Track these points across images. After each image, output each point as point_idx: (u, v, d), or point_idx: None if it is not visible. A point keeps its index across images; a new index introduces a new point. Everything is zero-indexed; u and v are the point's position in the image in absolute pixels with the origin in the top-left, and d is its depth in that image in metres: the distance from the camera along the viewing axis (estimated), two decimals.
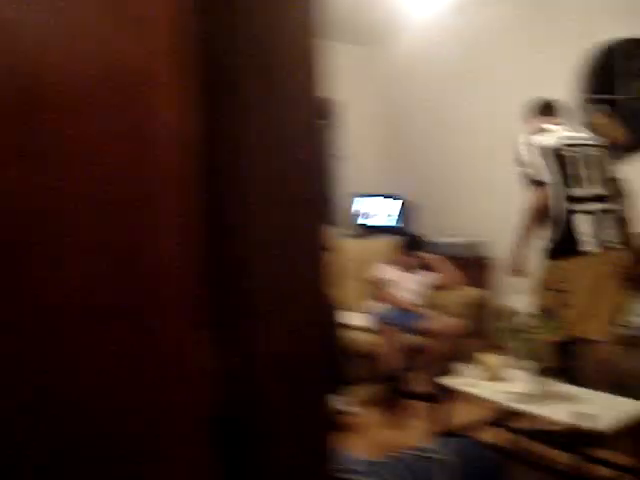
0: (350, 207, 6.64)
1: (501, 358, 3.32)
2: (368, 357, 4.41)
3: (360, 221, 6.57)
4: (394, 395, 4.17)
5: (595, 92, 4.74)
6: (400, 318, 4.59)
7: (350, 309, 5.00)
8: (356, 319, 4.72)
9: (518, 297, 4.54)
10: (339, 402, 3.97)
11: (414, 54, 6.46)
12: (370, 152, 6.88)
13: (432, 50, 6.23)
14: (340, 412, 3.88)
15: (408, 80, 6.55)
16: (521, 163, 3.80)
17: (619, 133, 4.63)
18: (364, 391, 4.38)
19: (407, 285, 4.99)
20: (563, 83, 4.89)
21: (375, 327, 4.56)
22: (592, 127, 4.62)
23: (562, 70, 4.92)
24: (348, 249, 5.32)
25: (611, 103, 4.70)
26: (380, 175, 6.87)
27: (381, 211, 6.39)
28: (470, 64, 5.83)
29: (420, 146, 6.48)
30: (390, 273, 5.04)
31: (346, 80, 6.85)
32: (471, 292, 5.00)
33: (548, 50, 5.07)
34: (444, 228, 6.10)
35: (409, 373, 4.52)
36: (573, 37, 4.86)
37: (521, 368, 3.12)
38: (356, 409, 3.99)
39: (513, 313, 4.37)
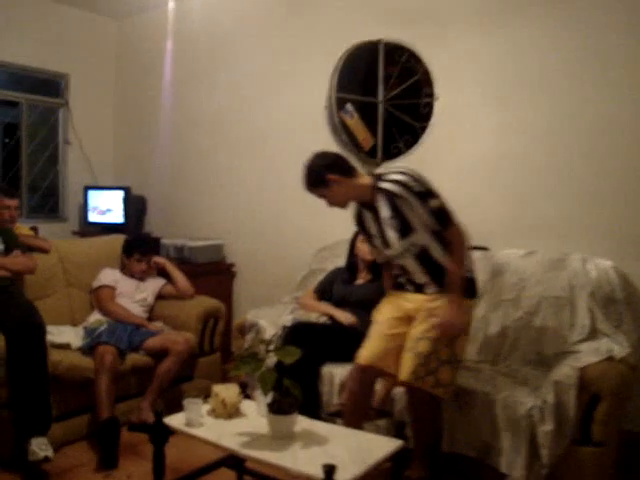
0: (83, 200, 5.76)
1: (236, 389, 2.78)
2: (77, 384, 3.62)
3: (93, 217, 5.71)
4: (109, 430, 3.45)
5: (347, 93, 4.45)
6: (122, 334, 3.88)
7: (65, 323, 4.18)
8: (65, 336, 3.91)
9: (263, 311, 4.08)
10: (38, 445, 3.19)
11: (162, 31, 5.75)
12: (105, 139, 6.08)
13: (184, 29, 5.59)
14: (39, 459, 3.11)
15: (153, 61, 5.82)
16: None
17: (367, 135, 4.39)
18: (72, 427, 3.61)
19: (134, 294, 4.30)
20: (321, 79, 4.55)
21: (88, 345, 3.79)
22: (345, 130, 4.36)
23: (320, 66, 4.57)
24: (72, 250, 4.48)
25: (362, 105, 4.44)
26: (115, 166, 6.10)
27: (116, 207, 5.58)
28: (224, 51, 5.29)
29: (160, 137, 5.80)
30: (115, 279, 4.31)
31: (84, 53, 6.14)
32: (207, 303, 4.43)
33: (306, 44, 4.71)
34: (178, 229, 5.52)
35: (136, 400, 3.85)
36: (330, 34, 4.55)
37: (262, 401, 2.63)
38: (50, 453, 3.18)
39: (256, 329, 3.91)
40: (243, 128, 5.15)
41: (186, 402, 2.65)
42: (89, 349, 3.76)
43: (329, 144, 4.56)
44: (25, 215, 5.70)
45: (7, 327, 3.33)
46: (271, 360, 3.54)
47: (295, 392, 2.47)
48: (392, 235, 2.91)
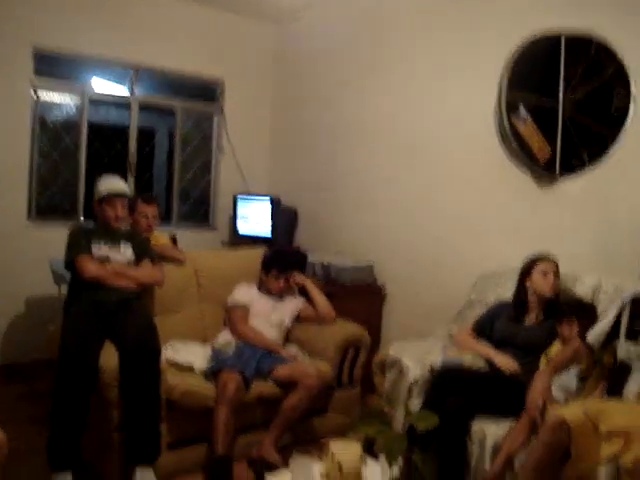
0: (232, 210, 5.54)
1: (357, 449, 2.26)
2: (194, 411, 3.28)
3: (241, 228, 5.46)
4: (221, 469, 3.07)
5: (520, 95, 3.78)
6: (250, 359, 3.50)
7: (195, 339, 3.88)
8: (191, 354, 3.59)
9: (410, 345, 3.52)
10: (143, 476, 2.88)
11: (319, 35, 5.40)
12: (259, 147, 5.83)
13: (339, 33, 5.19)
14: None
15: (310, 66, 5.47)
16: None
17: (543, 145, 3.71)
18: (186, 456, 3.27)
19: (269, 314, 3.91)
20: (489, 80, 3.93)
21: (211, 370, 3.44)
22: (517, 137, 3.71)
23: (488, 64, 3.95)
24: (208, 263, 4.19)
25: (537, 109, 3.75)
26: (269, 176, 5.83)
27: (264, 218, 5.27)
28: (383, 52, 4.82)
29: (315, 146, 5.42)
30: (251, 297, 3.95)
31: (240, 58, 5.95)
32: (349, 329, 3.95)
33: (471, 37, 4.11)
34: (328, 244, 5.09)
35: (261, 433, 3.45)
36: (500, 26, 3.91)
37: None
38: None
39: (399, 368, 3.35)
40: (402, 137, 4.63)
41: (293, 464, 2.17)
42: (212, 374, 3.40)
43: (497, 154, 3.94)
44: (175, 223, 5.57)
45: (122, 347, 3.06)
46: (413, 405, 3.03)
47: (425, 471, 1.90)
48: None
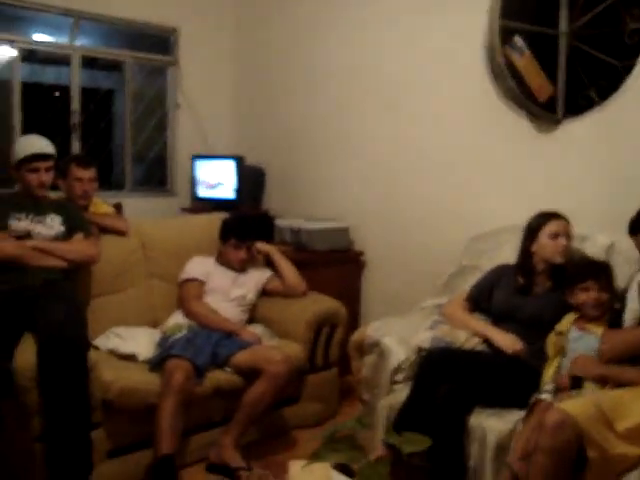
0: (192, 173, 4.95)
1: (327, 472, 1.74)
2: (137, 411, 2.75)
3: (202, 192, 4.88)
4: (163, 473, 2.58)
5: (515, 21, 3.20)
6: (203, 345, 2.96)
7: (144, 323, 3.34)
8: (135, 342, 3.06)
9: (392, 322, 2.98)
10: None
11: None
12: (220, 101, 5.22)
13: None
14: None
15: (278, 6, 4.83)
16: None
17: (543, 81, 3.15)
18: (128, 466, 2.75)
19: (229, 290, 3.37)
20: (477, 8, 3.35)
21: (156, 359, 2.90)
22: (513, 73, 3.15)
23: None
24: (157, 234, 3.62)
25: (535, 38, 3.19)
26: (231, 133, 5.24)
27: (228, 180, 4.68)
28: None
29: (281, 98, 4.81)
30: (207, 271, 3.40)
31: (196, 3, 5.32)
32: (323, 303, 3.42)
33: None
34: (299, 207, 4.53)
35: (220, 431, 2.94)
36: None
37: None
38: None
39: (379, 350, 2.81)
40: (377, 82, 4.04)
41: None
42: (158, 363, 2.86)
43: (488, 95, 3.39)
44: (129, 188, 4.99)
45: (40, 341, 2.51)
46: (398, 395, 2.53)
47: None
48: None
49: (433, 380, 2.47)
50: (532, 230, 2.73)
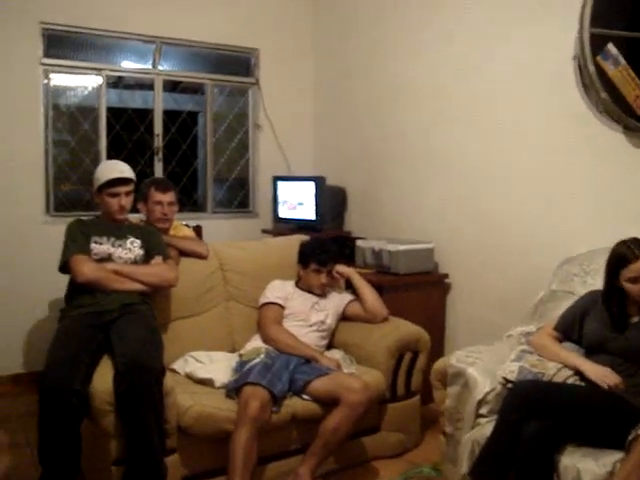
0: (272, 193, 4.94)
1: None
2: (213, 438, 2.70)
3: (283, 213, 4.85)
4: None
5: (608, 29, 2.99)
6: (281, 371, 2.89)
7: (223, 347, 3.31)
8: (214, 367, 3.02)
9: (477, 352, 2.81)
10: None
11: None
12: (301, 121, 5.20)
13: None
14: None
15: (356, 29, 4.78)
16: None
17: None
18: None
19: (309, 315, 3.30)
20: (564, 17, 3.19)
21: (232, 385, 2.84)
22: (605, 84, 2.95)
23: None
24: (236, 256, 3.60)
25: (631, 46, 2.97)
26: (313, 153, 5.21)
27: (309, 200, 4.63)
28: (435, 1, 4.10)
29: (362, 117, 4.72)
30: (286, 295, 3.35)
31: (276, 24, 5.23)
32: (404, 329, 3.29)
33: None
34: (381, 228, 4.43)
35: (297, 460, 2.86)
36: None
37: None
38: None
39: (464, 381, 2.66)
40: (461, 98, 3.89)
41: None
42: (235, 390, 2.81)
43: (578, 109, 3.19)
44: (211, 210, 5.01)
45: (117, 366, 2.51)
46: (483, 429, 2.38)
47: None
48: None
49: (520, 415, 2.29)
50: (611, 269, 2.50)
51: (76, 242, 2.93)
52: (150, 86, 4.80)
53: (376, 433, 3.18)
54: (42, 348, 4.04)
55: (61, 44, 4.37)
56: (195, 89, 5.15)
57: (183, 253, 3.36)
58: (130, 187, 3.03)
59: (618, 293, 2.48)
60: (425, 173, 4.18)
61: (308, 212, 4.61)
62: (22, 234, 4.21)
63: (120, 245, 3.01)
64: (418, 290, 3.87)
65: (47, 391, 2.42)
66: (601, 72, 2.96)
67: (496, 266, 3.70)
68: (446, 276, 3.99)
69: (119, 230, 3.06)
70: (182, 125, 5.10)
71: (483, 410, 2.55)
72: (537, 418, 2.24)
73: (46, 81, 4.33)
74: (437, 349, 3.58)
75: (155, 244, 3.10)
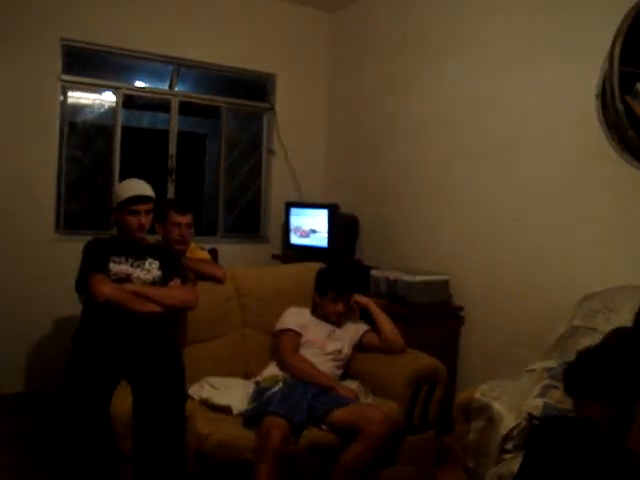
0: (285, 219, 4.92)
1: None
2: (231, 466, 2.64)
3: (295, 239, 4.83)
4: None
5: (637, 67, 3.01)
6: (300, 400, 2.84)
7: (237, 374, 3.26)
8: (230, 394, 2.96)
9: (500, 385, 2.78)
10: None
11: (381, 19, 4.75)
12: (315, 148, 5.21)
13: (403, 16, 4.52)
14: None
15: (373, 57, 4.81)
16: None
17: None
18: None
19: (325, 344, 3.26)
20: (589, 55, 3.20)
21: (251, 413, 2.79)
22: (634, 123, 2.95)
23: (592, 35, 3.22)
24: (253, 280, 3.56)
25: None
26: (326, 180, 5.20)
27: (321, 228, 4.61)
28: (455, 35, 4.13)
29: (378, 146, 4.73)
30: (303, 323, 3.31)
31: (292, 50, 5.19)
32: (422, 361, 3.25)
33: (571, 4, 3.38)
34: (393, 258, 4.41)
35: None
36: None
37: None
38: None
39: (488, 416, 2.62)
40: (479, 133, 3.90)
41: None
42: (253, 418, 2.75)
43: (601, 148, 3.19)
44: (221, 234, 4.99)
45: (137, 389, 2.45)
46: (509, 465, 2.33)
47: None
48: None
49: (548, 452, 2.26)
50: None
51: (94, 261, 2.88)
52: (161, 107, 4.80)
53: (392, 466, 3.11)
54: (46, 367, 4.03)
55: (80, 61, 4.38)
56: (208, 112, 5.15)
57: (200, 277, 3.32)
58: (150, 206, 3.00)
59: None
60: (440, 205, 4.17)
61: (320, 239, 4.59)
62: (31, 251, 4.17)
63: (139, 266, 2.97)
64: (432, 322, 3.84)
65: (64, 413, 2.37)
66: (629, 110, 2.97)
67: (512, 300, 3.68)
68: (461, 309, 3.96)
69: (138, 250, 3.02)
70: (192, 148, 5.09)
71: (508, 445, 2.51)
72: (564, 453, 2.20)
73: (63, 97, 4.32)
74: (449, 381, 3.54)
75: (174, 266, 3.06)
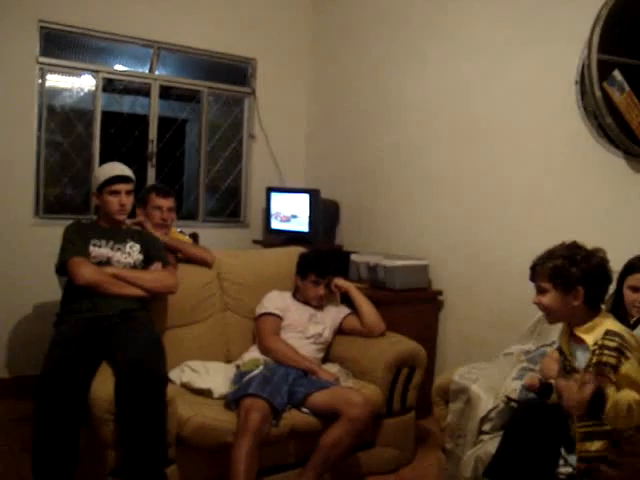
0: (265, 204, 4.91)
1: None
2: (212, 450, 2.66)
3: (275, 224, 4.83)
4: None
5: (614, 55, 3.04)
6: (280, 383, 2.86)
7: (218, 357, 3.27)
8: (210, 377, 2.98)
9: (478, 368, 2.82)
10: None
11: (363, 3, 4.75)
12: (296, 133, 5.20)
13: (391, 5, 4.52)
14: None
15: (355, 41, 4.81)
16: None
17: None
18: None
19: (306, 327, 3.28)
20: (569, 41, 3.23)
21: (232, 396, 2.81)
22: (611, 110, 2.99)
23: (568, 18, 3.26)
24: (234, 265, 3.57)
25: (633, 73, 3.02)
26: (307, 165, 5.20)
27: (302, 213, 4.62)
28: (438, 20, 4.14)
29: (358, 130, 4.74)
30: (284, 306, 3.32)
31: (273, 34, 5.21)
32: (402, 345, 3.28)
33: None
34: (374, 243, 4.43)
35: (295, 473, 2.83)
36: None
37: None
38: None
39: (466, 398, 2.66)
40: (459, 118, 3.93)
41: None
42: (234, 401, 2.77)
43: (581, 133, 3.23)
44: (202, 219, 4.98)
45: (119, 372, 2.46)
46: (487, 446, 2.38)
47: None
48: None
49: (526, 433, 2.30)
50: (620, 275, 2.57)
51: (75, 244, 2.87)
52: (141, 91, 4.76)
53: (371, 448, 3.15)
54: (28, 352, 4.01)
55: (58, 44, 4.32)
56: (188, 97, 5.11)
57: (186, 259, 3.33)
58: (130, 186, 3.00)
59: (622, 300, 2.55)
60: (420, 190, 4.20)
61: (301, 224, 4.60)
62: (10, 236, 4.12)
63: (119, 249, 2.97)
64: (411, 306, 3.87)
65: (45, 397, 2.36)
66: (607, 98, 3.00)
67: (490, 285, 3.72)
68: (440, 293, 4.00)
69: (118, 234, 3.02)
70: (173, 133, 5.06)
71: (486, 427, 2.55)
72: (543, 436, 2.25)
73: (41, 81, 4.27)
74: (428, 365, 3.58)
75: (155, 250, 3.06)
